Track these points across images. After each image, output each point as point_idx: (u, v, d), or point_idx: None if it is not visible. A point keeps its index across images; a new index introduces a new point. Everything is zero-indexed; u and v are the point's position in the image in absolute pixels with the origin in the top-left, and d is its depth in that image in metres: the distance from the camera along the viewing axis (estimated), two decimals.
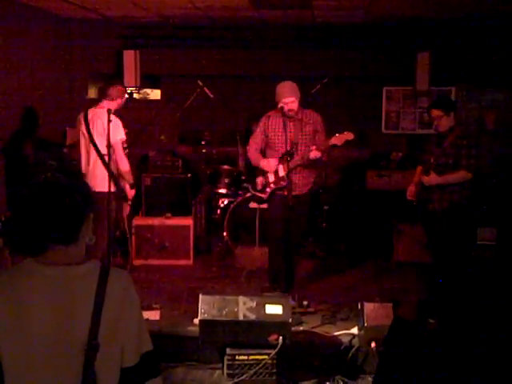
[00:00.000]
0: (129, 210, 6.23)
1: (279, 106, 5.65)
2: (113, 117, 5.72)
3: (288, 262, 5.80)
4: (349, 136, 5.52)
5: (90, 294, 1.97)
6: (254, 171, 6.09)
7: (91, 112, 5.92)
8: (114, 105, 5.92)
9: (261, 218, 6.41)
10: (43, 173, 2.00)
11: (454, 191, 5.45)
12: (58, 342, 1.94)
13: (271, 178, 5.80)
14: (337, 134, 5.53)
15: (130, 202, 6.15)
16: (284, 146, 5.65)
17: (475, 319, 2.03)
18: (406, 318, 2.26)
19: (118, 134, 5.83)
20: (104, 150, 5.76)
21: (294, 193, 5.58)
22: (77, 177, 2.08)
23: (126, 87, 8.15)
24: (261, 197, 5.92)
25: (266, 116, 5.89)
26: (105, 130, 5.71)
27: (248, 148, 6.00)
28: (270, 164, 5.77)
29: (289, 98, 5.61)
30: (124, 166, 5.91)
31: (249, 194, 6.53)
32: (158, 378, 2.12)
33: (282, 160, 5.68)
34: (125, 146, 6.00)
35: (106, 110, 5.70)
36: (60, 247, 2.00)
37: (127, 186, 6.00)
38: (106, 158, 5.77)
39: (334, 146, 5.54)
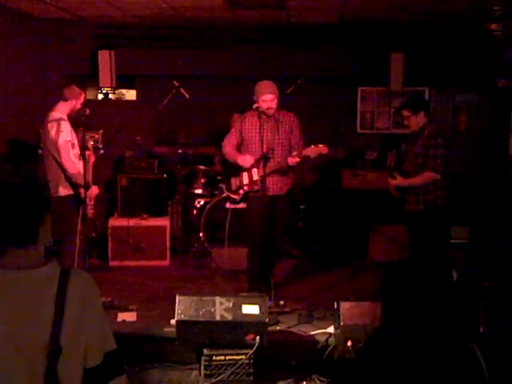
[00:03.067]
0: (92, 212, 5.97)
1: (256, 104, 5.58)
2: (59, 118, 5.68)
3: (266, 262, 5.80)
4: (323, 150, 5.50)
5: (50, 297, 1.97)
6: (230, 172, 6.08)
7: (48, 114, 5.88)
8: (68, 105, 5.84)
9: (235, 218, 6.40)
10: None
11: (428, 192, 5.45)
12: (19, 346, 1.93)
13: (245, 180, 5.79)
14: (312, 146, 5.50)
15: (92, 203, 5.85)
16: (260, 147, 5.65)
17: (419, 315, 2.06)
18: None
19: (64, 135, 5.71)
20: (55, 153, 5.68)
21: (270, 194, 5.59)
22: (32, 179, 2.08)
23: (100, 87, 8.15)
24: (234, 198, 5.92)
25: (242, 116, 5.89)
26: (49, 132, 5.68)
27: (223, 145, 5.95)
28: (246, 159, 5.72)
29: (268, 96, 5.57)
30: (71, 168, 5.69)
31: (224, 195, 6.53)
32: (122, 377, 2.13)
33: (257, 163, 5.68)
34: (73, 149, 5.79)
35: (56, 112, 5.73)
36: (18, 250, 2.00)
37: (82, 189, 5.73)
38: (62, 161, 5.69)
39: (307, 157, 5.51)
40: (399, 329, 2.08)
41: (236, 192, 5.88)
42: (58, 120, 5.70)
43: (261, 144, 5.64)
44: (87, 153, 5.97)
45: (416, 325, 2.04)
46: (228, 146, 5.90)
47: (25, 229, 2.00)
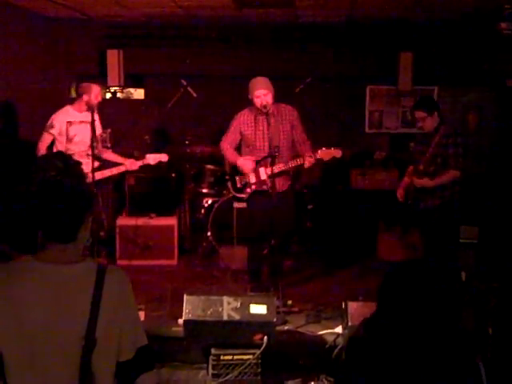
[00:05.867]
0: None
1: (253, 100, 5.55)
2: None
3: (273, 260, 5.80)
4: (337, 153, 5.46)
5: (87, 292, 2.02)
6: (234, 170, 6.02)
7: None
8: (79, 102, 6.17)
9: (241, 217, 6.38)
10: (48, 172, 2.04)
11: (445, 188, 5.54)
12: (56, 338, 1.98)
13: (252, 179, 5.72)
14: (323, 148, 5.45)
15: None
16: (262, 144, 5.61)
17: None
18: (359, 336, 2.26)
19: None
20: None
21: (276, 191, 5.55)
22: (80, 178, 2.12)
23: (108, 86, 8.18)
24: (241, 197, 5.87)
25: (240, 113, 5.79)
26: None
27: (222, 145, 5.88)
28: (246, 164, 5.68)
29: (261, 90, 5.49)
30: None
31: (230, 195, 6.52)
32: (152, 372, 2.18)
33: (263, 162, 5.63)
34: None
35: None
36: (59, 246, 2.05)
37: None
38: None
39: (320, 159, 5.48)
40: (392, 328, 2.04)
41: (242, 191, 5.81)
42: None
43: (263, 142, 5.61)
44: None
45: (415, 328, 2.00)
46: (227, 145, 5.82)
47: (67, 226, 2.05)
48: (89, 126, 6.11)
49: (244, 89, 5.71)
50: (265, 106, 5.47)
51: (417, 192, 5.68)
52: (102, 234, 6.92)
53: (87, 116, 6.08)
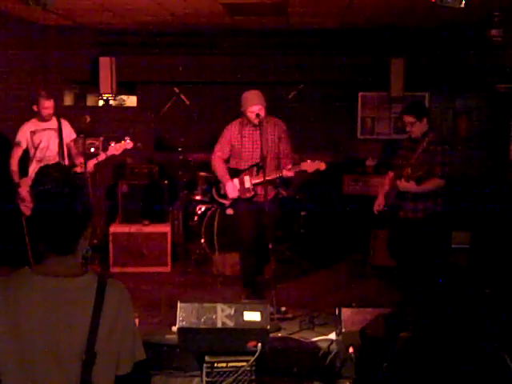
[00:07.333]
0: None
1: (245, 113, 5.65)
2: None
3: (260, 266, 5.89)
4: (320, 166, 5.56)
5: (87, 305, 2.01)
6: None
7: None
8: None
9: (229, 224, 6.40)
10: (47, 183, 2.03)
11: (427, 199, 5.39)
12: (56, 352, 1.97)
13: (236, 186, 5.80)
14: (308, 161, 5.57)
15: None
16: (250, 155, 5.72)
17: (449, 328, 2.05)
18: (375, 336, 2.28)
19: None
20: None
21: (258, 199, 5.67)
22: (78, 189, 2.10)
23: (101, 94, 8.19)
24: (223, 203, 5.94)
25: (230, 125, 5.88)
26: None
27: (214, 159, 5.91)
28: (233, 190, 5.76)
29: (256, 107, 5.58)
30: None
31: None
32: None
33: (248, 171, 5.73)
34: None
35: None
36: (58, 258, 2.04)
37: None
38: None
39: (304, 171, 5.56)
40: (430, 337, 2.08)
41: (226, 197, 5.89)
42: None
43: (251, 153, 5.71)
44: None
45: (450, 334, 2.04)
46: (219, 159, 5.88)
47: (66, 238, 2.04)
48: (54, 133, 6.26)
49: (237, 96, 5.73)
50: (258, 115, 5.56)
51: (398, 199, 5.54)
52: (95, 241, 6.93)
53: (53, 124, 6.33)
